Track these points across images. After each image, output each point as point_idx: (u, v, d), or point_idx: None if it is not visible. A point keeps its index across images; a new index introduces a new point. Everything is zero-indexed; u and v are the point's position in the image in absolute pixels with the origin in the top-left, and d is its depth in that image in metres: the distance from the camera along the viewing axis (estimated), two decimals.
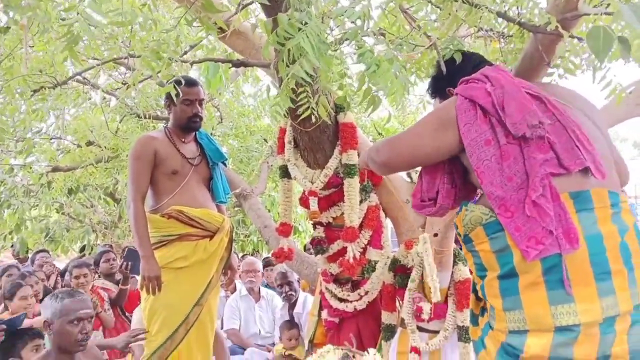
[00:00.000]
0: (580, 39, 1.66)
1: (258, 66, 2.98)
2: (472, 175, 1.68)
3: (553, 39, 1.72)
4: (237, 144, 5.52)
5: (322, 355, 2.13)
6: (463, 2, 1.74)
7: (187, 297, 2.89)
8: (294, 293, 4.36)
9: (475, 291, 1.81)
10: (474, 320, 1.82)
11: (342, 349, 2.13)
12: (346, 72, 1.82)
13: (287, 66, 1.76)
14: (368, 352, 2.06)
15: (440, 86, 1.90)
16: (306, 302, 4.24)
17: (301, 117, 2.21)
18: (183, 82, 2.78)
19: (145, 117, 4.70)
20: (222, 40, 3.18)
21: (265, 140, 5.32)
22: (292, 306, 4.38)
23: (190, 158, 3.06)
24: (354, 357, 2.08)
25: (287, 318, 4.38)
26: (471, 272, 2.78)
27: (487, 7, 1.78)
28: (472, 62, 1.81)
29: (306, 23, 1.71)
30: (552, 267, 1.48)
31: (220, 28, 2.73)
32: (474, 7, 1.79)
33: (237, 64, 2.89)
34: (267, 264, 6.37)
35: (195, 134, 3.18)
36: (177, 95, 2.65)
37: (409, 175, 3.09)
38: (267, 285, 5.50)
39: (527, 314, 1.51)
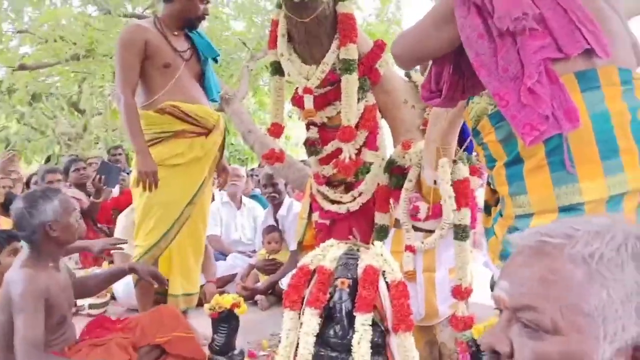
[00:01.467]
0: None
1: None
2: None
3: None
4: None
5: (325, 249, 2.08)
6: None
7: (182, 194, 2.81)
8: (277, 195, 4.28)
9: (489, 183, 1.86)
10: (488, 210, 1.85)
11: (346, 243, 2.09)
12: None
13: None
14: (374, 244, 2.02)
15: None
16: (291, 206, 4.20)
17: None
18: None
19: (117, 14, 4.36)
20: None
21: (244, 44, 5.05)
22: (276, 209, 4.34)
23: (182, 51, 2.87)
24: (358, 250, 2.04)
25: (271, 220, 4.35)
26: (478, 161, 2.80)
27: None
28: None
29: None
30: (555, 148, 1.49)
31: None
32: None
33: None
34: (250, 174, 6.31)
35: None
36: None
37: (407, 75, 2.97)
38: (253, 196, 5.45)
39: (531, 196, 1.54)
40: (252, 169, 6.84)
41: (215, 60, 3.21)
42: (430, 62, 1.88)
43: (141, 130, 2.67)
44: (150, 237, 2.77)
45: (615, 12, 1.58)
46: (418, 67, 3.01)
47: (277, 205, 4.24)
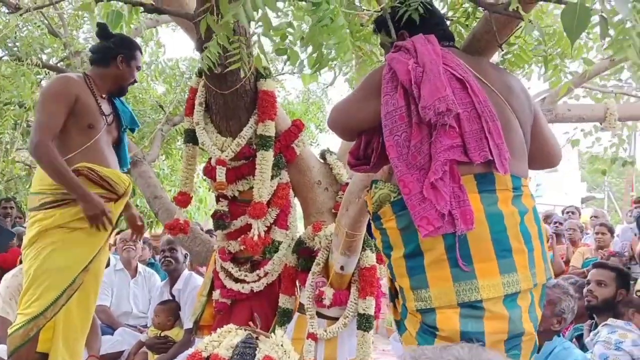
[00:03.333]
0: (533, 24, 1.63)
1: (176, 15, 2.68)
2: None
3: (507, 22, 1.68)
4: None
5: (222, 334, 1.93)
6: None
7: (78, 260, 2.58)
8: (173, 261, 4.00)
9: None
10: (392, 299, 1.83)
11: (245, 329, 1.95)
12: (291, 23, 1.64)
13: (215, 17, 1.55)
14: (275, 334, 1.90)
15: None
16: (189, 280, 3.95)
17: (228, 69, 1.98)
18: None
19: (27, 62, 4.12)
20: None
21: (161, 106, 4.93)
22: (173, 283, 4.05)
23: (107, 115, 2.73)
24: (257, 338, 1.91)
25: (166, 294, 4.04)
26: (379, 251, 2.78)
27: None
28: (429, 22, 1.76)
29: None
30: (454, 244, 1.53)
31: None
32: None
33: (151, 10, 2.56)
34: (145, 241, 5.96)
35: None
36: (133, 58, 2.73)
37: (322, 156, 2.98)
38: (150, 264, 5.12)
39: (432, 290, 1.56)
40: (154, 236, 6.47)
41: (133, 130, 3.10)
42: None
43: (73, 175, 2.52)
44: (38, 304, 2.49)
45: (517, 119, 1.68)
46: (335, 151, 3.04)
47: (173, 277, 3.97)
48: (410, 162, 1.52)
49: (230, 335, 1.91)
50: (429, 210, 1.48)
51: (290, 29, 1.59)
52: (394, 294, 1.79)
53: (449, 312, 1.52)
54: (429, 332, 1.56)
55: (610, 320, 2.84)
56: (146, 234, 7.32)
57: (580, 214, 7.58)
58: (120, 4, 2.69)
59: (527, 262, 1.58)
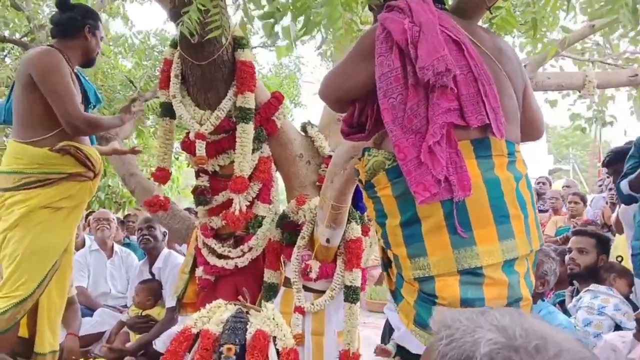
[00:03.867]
0: None
1: None
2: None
3: None
4: (99, 83, 4.90)
5: (212, 310, 1.89)
6: None
7: (61, 240, 2.54)
8: (151, 239, 3.91)
9: (380, 240, 1.78)
10: (385, 268, 1.78)
11: (234, 304, 1.91)
12: None
13: None
14: (266, 307, 1.86)
15: None
16: (169, 258, 3.87)
17: (206, 38, 1.89)
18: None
19: None
20: None
21: (131, 82, 4.77)
22: (152, 261, 3.97)
23: (80, 92, 2.65)
24: (248, 313, 1.87)
25: (146, 273, 3.96)
26: (369, 220, 2.76)
27: None
28: None
29: None
30: (453, 210, 1.50)
31: None
32: None
33: None
34: (122, 221, 5.84)
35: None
36: (97, 28, 2.69)
37: (304, 129, 2.92)
38: (126, 244, 5.01)
39: (431, 259, 1.52)
40: (127, 215, 6.35)
41: (94, 107, 3.01)
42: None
43: (108, 117, 2.74)
44: (25, 287, 2.43)
45: (511, 82, 1.65)
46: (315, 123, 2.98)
47: (152, 256, 3.89)
48: (406, 126, 1.47)
49: (220, 311, 1.86)
50: (425, 175, 1.44)
51: None
52: (387, 263, 1.76)
53: (448, 279, 1.50)
54: (427, 299, 1.53)
55: (593, 286, 2.88)
56: (119, 214, 7.19)
57: (551, 184, 7.72)
58: None
59: (523, 228, 1.56)
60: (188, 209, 4.81)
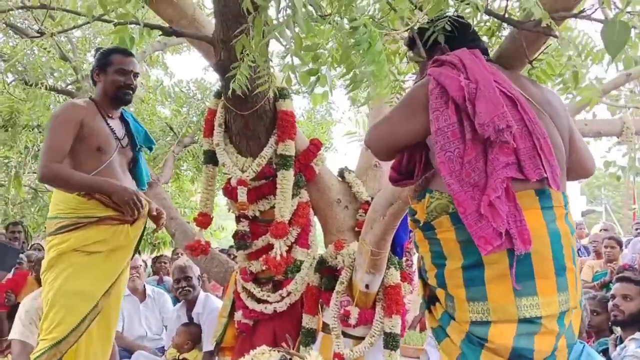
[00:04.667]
0: (567, 41, 1.64)
1: (194, 38, 2.69)
2: (434, 159, 1.66)
3: (535, 39, 1.69)
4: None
5: (256, 357, 1.91)
6: None
7: (98, 285, 2.54)
8: (191, 290, 3.97)
9: (422, 277, 1.82)
10: (427, 307, 1.79)
11: (279, 351, 1.93)
12: (324, 44, 1.64)
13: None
14: (310, 354, 1.88)
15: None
16: (207, 302, 3.91)
17: (254, 93, 1.99)
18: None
19: (35, 85, 4.14)
20: (149, 5, 2.85)
21: (171, 128, 4.94)
22: (190, 306, 4.01)
23: (120, 137, 2.71)
24: (291, 359, 1.89)
25: (184, 318, 4.00)
26: (409, 267, 2.77)
27: (470, 2, 1.70)
28: (466, 36, 1.74)
29: None
30: (519, 259, 1.51)
31: None
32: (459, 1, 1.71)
33: (169, 33, 2.58)
34: (156, 260, 5.94)
35: (122, 112, 2.83)
36: (109, 64, 2.60)
37: (341, 175, 2.98)
38: (158, 285, 5.08)
39: (492, 304, 1.54)
40: (159, 257, 6.44)
41: (150, 149, 3.08)
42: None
43: (88, 176, 2.52)
44: (59, 330, 2.46)
45: (560, 134, 1.68)
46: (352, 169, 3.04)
47: (190, 302, 3.94)
48: (464, 179, 1.50)
49: (264, 357, 1.88)
50: (486, 229, 1.47)
51: (321, 50, 1.58)
52: (429, 300, 1.77)
53: (505, 326, 1.51)
54: (475, 342, 1.55)
55: (638, 334, 2.81)
56: (154, 254, 7.28)
57: (584, 229, 7.58)
58: (133, 26, 2.70)
59: (574, 281, 1.58)
60: (223, 251, 4.86)
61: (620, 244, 5.63)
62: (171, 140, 4.86)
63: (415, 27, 1.76)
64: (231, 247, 6.11)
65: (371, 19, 1.64)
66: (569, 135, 1.73)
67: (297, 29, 1.55)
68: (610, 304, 3.16)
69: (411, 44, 1.84)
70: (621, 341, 3.02)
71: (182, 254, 5.74)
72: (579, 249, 6.59)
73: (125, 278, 2.79)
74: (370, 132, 1.76)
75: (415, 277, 2.64)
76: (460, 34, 1.70)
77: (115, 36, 2.75)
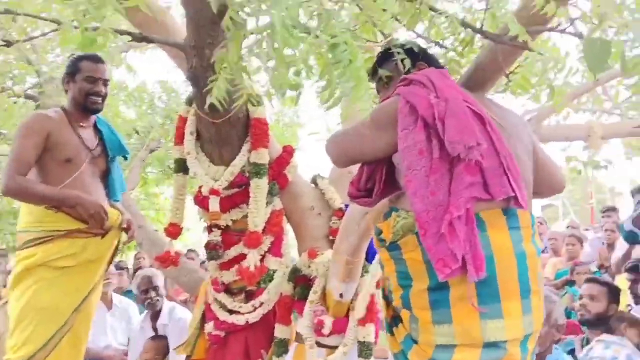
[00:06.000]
0: (540, 54, 1.67)
1: (164, 44, 2.62)
2: (401, 177, 1.67)
3: (512, 52, 1.70)
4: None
5: None
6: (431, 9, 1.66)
7: (68, 300, 2.47)
8: (159, 299, 3.89)
9: (386, 298, 1.81)
10: (390, 329, 1.77)
11: None
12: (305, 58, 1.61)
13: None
14: None
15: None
16: (173, 313, 3.83)
17: (236, 105, 1.94)
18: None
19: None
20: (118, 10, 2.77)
21: (137, 131, 4.82)
22: (155, 317, 3.92)
23: (90, 146, 2.62)
24: None
25: (149, 330, 3.91)
26: (383, 281, 2.76)
27: (448, 15, 1.71)
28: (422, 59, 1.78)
29: None
30: (485, 281, 1.50)
31: None
32: (437, 13, 1.71)
33: (139, 39, 2.50)
34: (118, 267, 5.79)
35: (95, 121, 2.75)
36: (77, 71, 2.53)
37: (314, 181, 2.96)
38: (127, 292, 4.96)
39: (457, 327, 1.52)
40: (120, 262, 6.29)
41: (125, 158, 3.00)
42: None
43: (51, 188, 2.44)
44: (27, 348, 2.36)
45: (526, 152, 1.70)
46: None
47: (155, 312, 3.85)
48: (428, 198, 1.49)
49: None
50: (444, 251, 1.46)
51: (302, 65, 1.55)
52: (391, 323, 1.76)
53: (469, 351, 1.50)
54: None
55: (604, 336, 2.90)
56: (123, 260, 7.10)
57: (546, 225, 7.76)
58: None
59: (539, 304, 1.59)
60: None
61: (581, 241, 5.78)
62: (135, 144, 4.74)
63: (396, 39, 1.76)
64: (190, 250, 6.04)
65: (352, 33, 1.62)
66: (534, 155, 1.74)
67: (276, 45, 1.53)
68: (578, 303, 3.26)
69: (380, 61, 1.85)
70: (587, 342, 3.11)
71: (144, 258, 5.63)
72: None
73: (98, 293, 2.71)
74: (334, 141, 1.76)
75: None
76: (428, 57, 1.74)
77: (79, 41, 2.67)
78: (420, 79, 1.61)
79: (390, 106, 1.62)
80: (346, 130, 1.78)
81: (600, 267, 5.21)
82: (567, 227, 7.04)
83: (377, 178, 1.73)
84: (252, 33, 1.50)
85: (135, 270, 5.16)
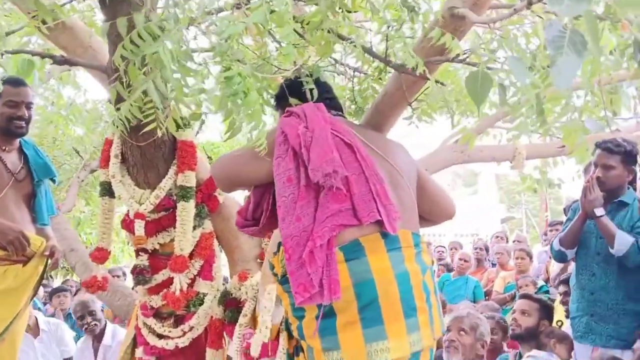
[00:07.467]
0: (442, 84, 1.72)
1: (87, 67, 2.59)
2: None
3: (416, 80, 1.75)
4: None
5: None
6: (338, 36, 1.70)
7: None
8: (97, 323, 3.82)
9: (287, 329, 1.89)
10: (290, 359, 1.86)
11: None
12: (205, 89, 1.62)
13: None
14: None
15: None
16: (116, 334, 3.76)
17: (143, 131, 1.93)
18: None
19: None
20: (43, 34, 2.73)
21: (77, 152, 4.72)
22: (97, 338, 3.84)
23: (12, 170, 2.55)
24: None
25: (89, 352, 3.82)
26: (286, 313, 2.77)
27: (354, 43, 1.74)
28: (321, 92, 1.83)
29: (164, 29, 1.54)
30: (367, 305, 1.56)
31: (43, 20, 2.37)
32: (343, 41, 1.75)
33: (61, 62, 2.48)
34: (57, 290, 5.65)
35: (21, 143, 2.68)
36: None
37: None
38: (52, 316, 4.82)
39: (344, 353, 1.56)
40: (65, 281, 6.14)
41: (53, 181, 2.92)
42: (250, 191, 1.91)
43: None
44: None
45: (404, 178, 1.75)
46: None
47: (99, 335, 3.77)
48: (294, 223, 1.55)
49: None
50: (304, 277, 1.52)
51: (203, 95, 1.56)
52: (293, 352, 1.83)
53: None
54: None
55: (534, 352, 2.96)
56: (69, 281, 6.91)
57: (507, 239, 7.90)
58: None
59: (428, 320, 1.63)
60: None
61: (530, 255, 5.91)
62: (78, 164, 4.63)
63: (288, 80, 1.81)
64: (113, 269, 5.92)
65: (252, 65, 1.64)
66: (418, 183, 1.80)
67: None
68: (510, 318, 3.33)
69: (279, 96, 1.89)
70: (520, 357, 3.17)
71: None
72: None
73: (24, 321, 2.62)
74: (220, 164, 1.84)
75: None
76: (321, 91, 1.79)
77: (14, 62, 2.62)
78: (297, 111, 1.69)
79: (272, 136, 1.68)
80: (232, 155, 1.85)
81: (547, 280, 5.35)
82: (514, 241, 7.19)
83: (264, 207, 1.79)
84: (146, 65, 1.50)
85: (76, 293, 5.04)
